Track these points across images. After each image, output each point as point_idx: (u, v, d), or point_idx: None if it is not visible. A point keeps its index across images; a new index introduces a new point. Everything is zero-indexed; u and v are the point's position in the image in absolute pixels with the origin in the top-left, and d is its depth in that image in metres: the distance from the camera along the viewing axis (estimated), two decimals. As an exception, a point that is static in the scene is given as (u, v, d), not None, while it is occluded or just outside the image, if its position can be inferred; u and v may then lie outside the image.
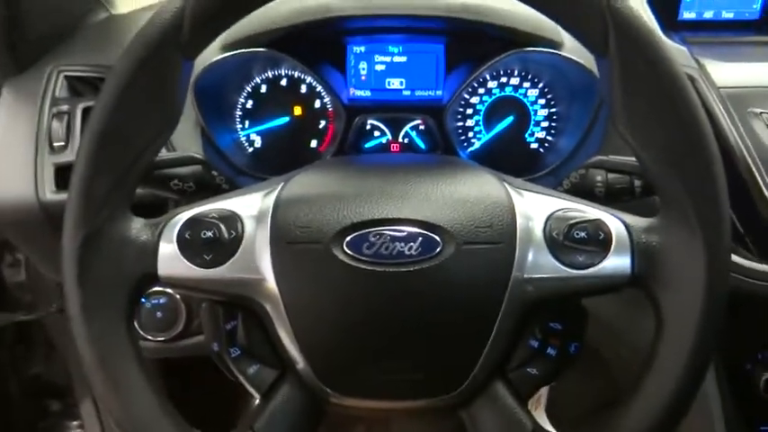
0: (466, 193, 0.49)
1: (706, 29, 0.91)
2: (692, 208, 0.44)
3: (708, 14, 0.92)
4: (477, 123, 0.80)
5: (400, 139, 0.80)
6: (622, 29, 0.43)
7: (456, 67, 0.78)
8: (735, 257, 0.61)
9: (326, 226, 0.47)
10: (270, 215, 0.49)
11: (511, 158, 0.80)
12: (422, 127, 0.79)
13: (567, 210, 0.49)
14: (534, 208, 0.49)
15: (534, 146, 0.80)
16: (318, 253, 0.47)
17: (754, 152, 0.62)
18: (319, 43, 0.77)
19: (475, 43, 0.76)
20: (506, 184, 0.51)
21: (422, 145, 0.80)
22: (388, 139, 0.80)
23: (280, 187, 0.51)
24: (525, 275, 0.47)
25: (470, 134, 0.80)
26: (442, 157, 0.77)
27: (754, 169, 0.61)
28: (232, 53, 0.73)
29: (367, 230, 0.47)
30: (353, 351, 0.48)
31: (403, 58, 0.78)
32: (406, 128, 0.80)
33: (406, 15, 0.71)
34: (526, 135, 0.80)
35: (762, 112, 0.64)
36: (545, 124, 0.80)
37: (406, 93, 0.79)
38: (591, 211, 0.49)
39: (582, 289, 0.48)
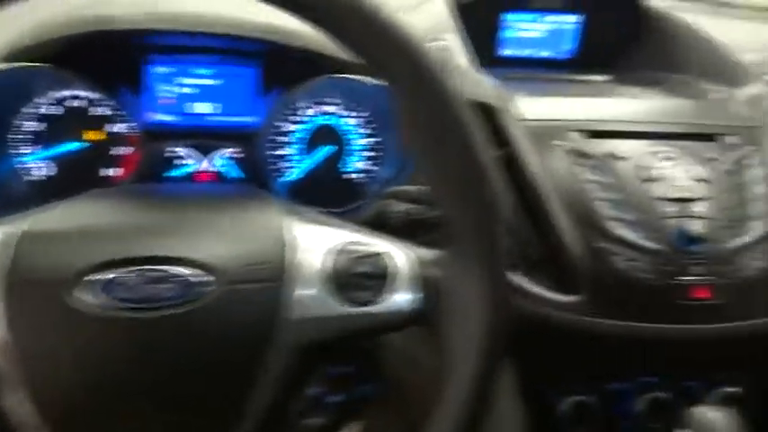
0: (242, 228, 0.45)
1: (523, 66, 0.95)
2: (468, 239, 0.42)
3: (525, 53, 0.96)
4: (293, 152, 0.76)
5: (210, 168, 0.74)
6: (401, 54, 0.41)
7: (271, 93, 0.74)
8: (534, 288, 0.61)
9: (65, 266, 0.40)
10: (6, 251, 0.41)
11: (330, 189, 0.76)
12: (234, 155, 0.74)
13: (354, 243, 0.45)
14: (318, 241, 0.45)
15: (354, 176, 0.77)
16: (54, 297, 0.39)
17: (552, 184, 0.63)
18: (114, 60, 0.69)
19: (291, 67, 0.72)
20: (292, 217, 0.47)
21: (234, 174, 0.74)
22: (196, 168, 0.74)
23: (27, 219, 0.43)
24: (300, 316, 0.42)
25: (286, 163, 0.76)
26: (231, 187, 0.71)
27: (552, 201, 0.62)
28: (6, 67, 0.64)
29: (112, 271, 0.40)
30: (96, 415, 0.40)
31: (213, 81, 0.73)
32: (217, 156, 0.74)
33: (200, 33, 0.66)
34: (345, 165, 0.77)
35: (563, 145, 0.66)
36: (365, 153, 0.77)
37: (217, 118, 0.73)
38: (378, 244, 0.46)
39: (364, 328, 0.44)
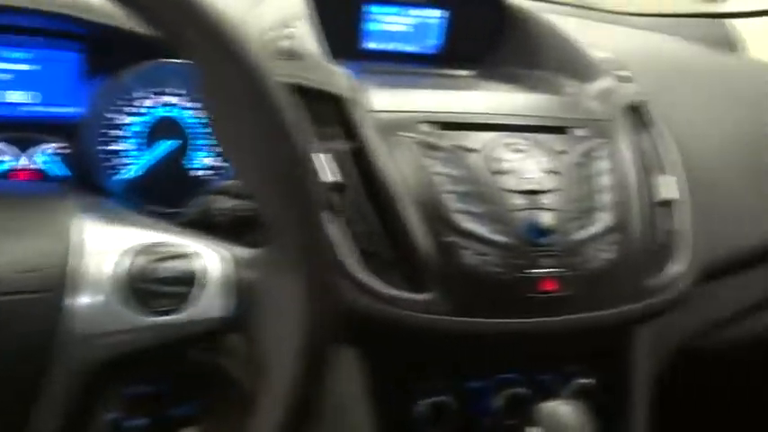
0: (18, 231, 0.38)
1: (389, 60, 0.92)
2: (283, 235, 0.38)
3: (390, 46, 0.93)
4: (130, 147, 0.69)
5: (30, 165, 0.65)
6: (206, 31, 0.36)
7: (99, 80, 0.66)
8: (383, 287, 0.57)
9: None
10: None
11: (173, 187, 0.70)
12: (58, 151, 0.66)
13: (157, 244, 0.40)
14: (114, 243, 0.39)
15: (200, 172, 0.71)
16: None
17: (401, 177, 0.60)
18: None
19: (119, 53, 0.65)
20: (88, 217, 0.40)
21: (59, 172, 0.66)
22: (13, 166, 0.65)
23: None
24: (86, 330, 0.36)
25: (122, 159, 0.69)
26: (23, 185, 0.63)
27: (401, 195, 0.59)
28: None
29: None
30: None
31: (29, 66, 0.64)
32: (38, 151, 0.65)
33: (7, 8, 0.57)
34: (190, 160, 0.71)
35: (413, 137, 0.63)
36: (212, 148, 0.71)
37: (35, 108, 0.65)
38: (187, 245, 0.41)
39: (166, 341, 0.39)
